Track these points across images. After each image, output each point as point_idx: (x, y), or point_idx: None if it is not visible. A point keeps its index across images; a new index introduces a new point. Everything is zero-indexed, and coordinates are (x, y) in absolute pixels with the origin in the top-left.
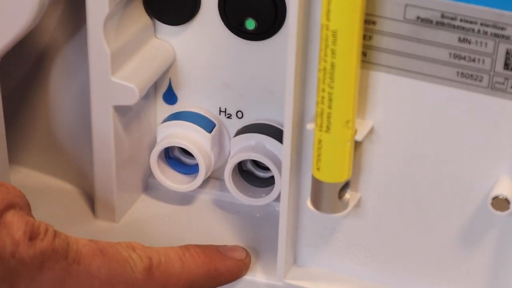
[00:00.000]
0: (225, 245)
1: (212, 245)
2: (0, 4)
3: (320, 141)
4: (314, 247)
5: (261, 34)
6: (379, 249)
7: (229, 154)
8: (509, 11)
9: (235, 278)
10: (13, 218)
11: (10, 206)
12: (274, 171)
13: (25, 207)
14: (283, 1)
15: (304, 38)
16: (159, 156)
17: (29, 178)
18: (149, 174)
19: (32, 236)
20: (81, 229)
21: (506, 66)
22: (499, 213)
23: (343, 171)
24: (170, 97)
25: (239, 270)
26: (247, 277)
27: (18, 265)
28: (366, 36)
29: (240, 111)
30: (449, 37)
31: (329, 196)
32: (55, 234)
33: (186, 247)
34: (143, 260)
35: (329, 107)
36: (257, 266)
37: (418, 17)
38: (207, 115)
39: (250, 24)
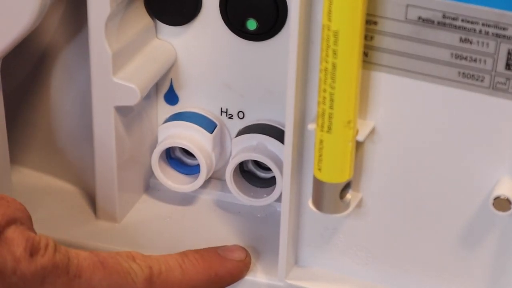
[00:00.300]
0: (224, 246)
1: (210, 248)
2: (1, 5)
3: (321, 142)
4: (315, 248)
5: (263, 35)
6: (380, 249)
7: (230, 155)
8: (510, 11)
9: (236, 280)
10: (14, 234)
11: (11, 222)
12: (275, 172)
13: (26, 221)
14: (285, 1)
15: (305, 38)
16: (161, 156)
17: (30, 179)
18: (150, 174)
19: (33, 252)
20: (82, 230)
21: (508, 66)
22: (500, 213)
23: (345, 171)
24: (171, 97)
25: (240, 271)
26: (249, 277)
27: (19, 281)
28: (368, 37)
29: (241, 111)
30: (451, 37)
31: (331, 196)
32: (56, 248)
33: (185, 254)
34: (144, 270)
35: (331, 107)
36: (258, 266)
37: (419, 17)
38: (208, 116)
39: (252, 24)
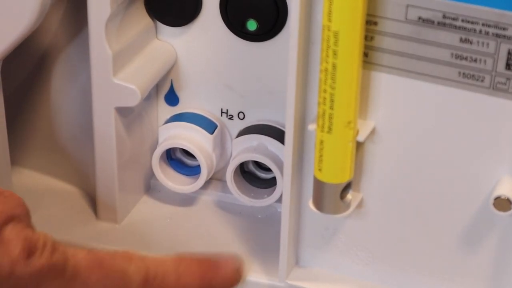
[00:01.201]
0: (219, 254)
1: (206, 255)
2: (2, 6)
3: (321, 142)
4: (315, 248)
5: (263, 35)
6: (381, 249)
7: (231, 155)
8: (510, 11)
9: None
10: (11, 234)
11: (8, 220)
12: (276, 172)
13: (25, 218)
14: (285, 2)
15: (305, 39)
16: (161, 157)
17: (30, 180)
18: (151, 175)
19: (30, 252)
20: (83, 231)
21: (508, 66)
22: (501, 213)
23: (345, 171)
24: (172, 98)
25: (234, 280)
26: (249, 278)
27: (16, 285)
28: (368, 37)
29: (241, 112)
30: (451, 38)
31: (331, 196)
32: (53, 247)
33: (182, 258)
34: (140, 272)
35: (331, 108)
36: (259, 267)
37: (419, 18)
38: (208, 116)
39: (252, 25)
